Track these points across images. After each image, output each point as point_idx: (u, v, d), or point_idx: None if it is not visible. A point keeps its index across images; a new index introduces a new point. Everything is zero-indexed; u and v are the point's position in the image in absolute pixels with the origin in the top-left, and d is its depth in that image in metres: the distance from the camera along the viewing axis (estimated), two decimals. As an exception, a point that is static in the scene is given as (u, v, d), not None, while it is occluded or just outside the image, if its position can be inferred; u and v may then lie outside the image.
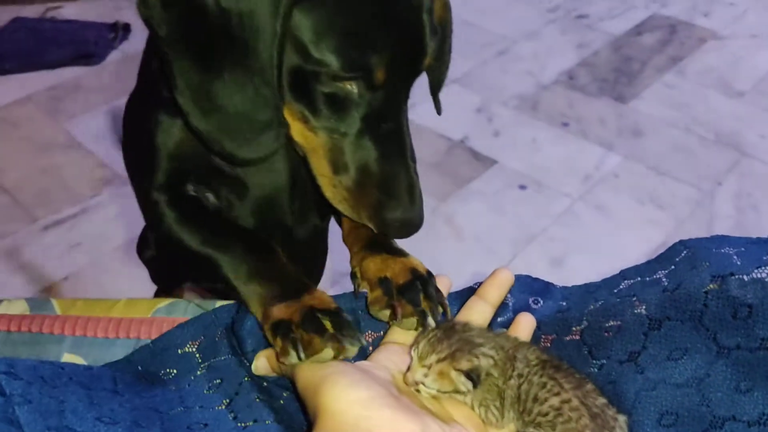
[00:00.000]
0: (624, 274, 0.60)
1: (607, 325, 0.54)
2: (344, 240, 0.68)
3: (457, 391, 0.49)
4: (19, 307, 0.62)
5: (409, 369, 0.51)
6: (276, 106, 0.56)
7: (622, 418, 0.48)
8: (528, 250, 1.56)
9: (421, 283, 0.58)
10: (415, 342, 0.51)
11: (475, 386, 0.49)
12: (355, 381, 0.43)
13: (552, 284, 0.63)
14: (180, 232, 0.64)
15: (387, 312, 0.56)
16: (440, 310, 0.56)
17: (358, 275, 0.61)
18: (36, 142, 1.91)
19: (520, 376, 0.49)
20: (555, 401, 0.47)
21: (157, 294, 1.19)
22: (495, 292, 0.59)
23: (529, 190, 1.73)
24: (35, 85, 2.11)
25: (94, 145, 1.89)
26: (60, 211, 1.69)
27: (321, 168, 0.59)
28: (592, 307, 0.56)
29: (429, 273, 0.60)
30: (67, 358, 0.58)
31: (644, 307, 0.53)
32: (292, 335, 0.49)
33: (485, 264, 1.43)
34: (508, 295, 0.61)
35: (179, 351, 0.56)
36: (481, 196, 1.72)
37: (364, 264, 0.61)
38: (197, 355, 0.56)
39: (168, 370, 0.55)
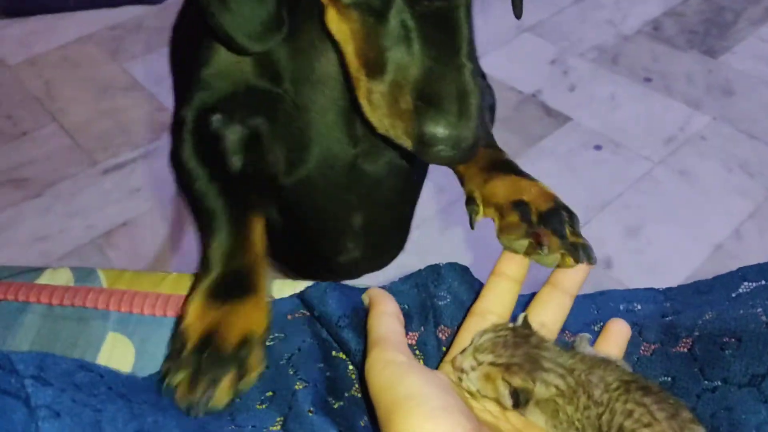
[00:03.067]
0: (744, 275, 0.51)
1: (724, 340, 0.46)
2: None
3: (497, 401, 0.43)
4: (64, 277, 0.58)
5: (463, 351, 0.45)
6: None
7: None
8: (601, 217, 1.47)
9: (567, 213, 0.48)
10: (482, 331, 0.45)
11: (516, 407, 0.42)
12: (435, 410, 0.37)
13: (651, 288, 0.54)
14: (188, 159, 0.57)
15: (525, 242, 0.46)
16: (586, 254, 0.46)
17: (479, 200, 0.51)
18: (97, 83, 1.89)
19: (598, 404, 0.41)
20: None
21: None
22: (572, 279, 0.48)
23: (605, 152, 1.62)
24: (96, 24, 2.08)
25: (155, 88, 1.85)
26: (120, 155, 1.67)
27: (353, 66, 0.47)
28: (707, 316, 0.47)
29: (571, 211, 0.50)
30: (112, 337, 0.53)
31: (771, 321, 0.45)
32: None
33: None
34: (594, 310, 0.53)
35: None
36: (553, 156, 1.61)
37: (488, 186, 0.51)
38: None
39: None
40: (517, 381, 0.42)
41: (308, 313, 0.52)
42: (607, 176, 1.55)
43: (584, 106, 1.74)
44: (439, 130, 0.43)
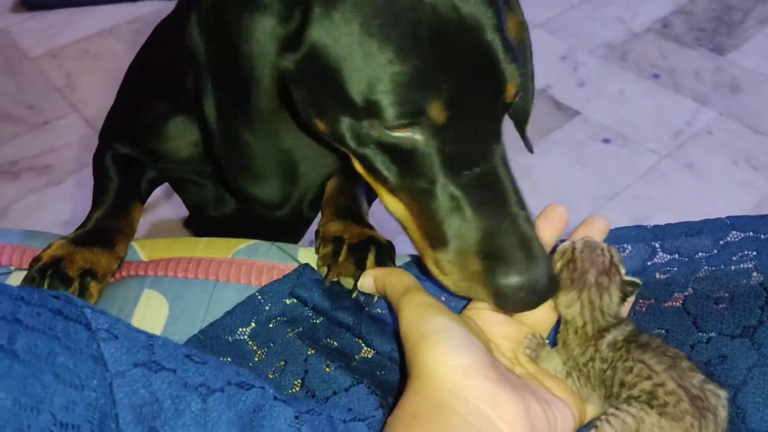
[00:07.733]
0: (732, 224, 0.55)
1: (717, 295, 0.49)
2: (322, 206, 0.67)
3: None
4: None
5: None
6: (279, 151, 0.53)
7: (723, 394, 0.44)
8: (609, 207, 1.50)
9: (375, 247, 0.57)
10: (584, 226, 0.52)
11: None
12: (458, 345, 0.41)
13: (639, 225, 0.58)
14: (108, 162, 0.71)
15: (325, 269, 0.57)
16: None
17: (320, 235, 0.62)
18: (116, 76, 1.91)
19: (603, 360, 0.45)
20: (646, 385, 0.43)
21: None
22: (549, 231, 0.52)
23: (614, 145, 1.65)
24: (116, 18, 2.13)
25: (172, 80, 1.89)
26: (138, 145, 1.71)
27: (418, 241, 0.50)
28: (700, 274, 0.51)
29: (389, 243, 0.59)
30: (148, 294, 0.58)
31: (762, 278, 0.48)
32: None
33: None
34: None
35: (229, 339, 0.54)
36: (562, 149, 1.65)
37: (327, 225, 0.62)
38: (249, 342, 0.53)
39: (221, 358, 0.51)
40: (565, 281, 0.47)
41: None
42: (616, 168, 1.58)
43: (593, 100, 1.78)
44: (511, 280, 0.45)
